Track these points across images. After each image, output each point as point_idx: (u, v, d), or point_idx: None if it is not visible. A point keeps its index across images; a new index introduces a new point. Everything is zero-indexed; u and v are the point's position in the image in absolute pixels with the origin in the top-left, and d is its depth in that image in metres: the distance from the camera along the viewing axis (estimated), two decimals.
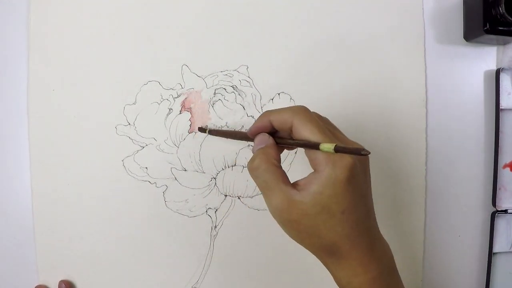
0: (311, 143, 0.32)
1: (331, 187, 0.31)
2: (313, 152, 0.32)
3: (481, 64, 0.54)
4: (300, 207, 0.31)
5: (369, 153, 0.30)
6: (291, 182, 0.33)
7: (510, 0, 0.48)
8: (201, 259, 0.49)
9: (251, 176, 0.34)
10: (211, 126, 0.48)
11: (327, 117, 0.38)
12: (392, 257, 0.36)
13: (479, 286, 0.53)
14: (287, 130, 0.34)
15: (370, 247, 0.33)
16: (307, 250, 0.35)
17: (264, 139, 0.35)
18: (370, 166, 0.37)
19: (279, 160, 0.34)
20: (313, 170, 0.33)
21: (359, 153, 0.30)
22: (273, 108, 0.37)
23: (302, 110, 0.34)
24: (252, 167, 0.34)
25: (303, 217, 0.31)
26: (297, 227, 0.32)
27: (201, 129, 0.48)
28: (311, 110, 0.36)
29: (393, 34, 0.52)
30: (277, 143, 0.36)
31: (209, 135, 0.48)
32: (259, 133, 0.36)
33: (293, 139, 0.34)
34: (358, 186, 0.32)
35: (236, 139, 0.44)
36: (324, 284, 0.49)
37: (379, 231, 0.36)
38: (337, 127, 0.38)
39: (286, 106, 0.35)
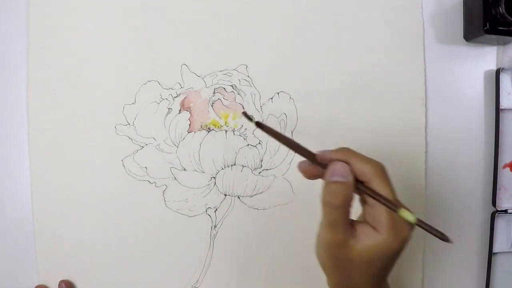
0: (390, 202, 0.32)
1: (384, 251, 0.33)
2: (378, 210, 0.33)
3: (481, 64, 0.54)
4: (348, 250, 0.33)
5: (452, 242, 0.31)
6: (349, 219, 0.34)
7: (510, 0, 0.48)
8: (201, 258, 0.49)
9: (322, 205, 0.34)
10: (210, 125, 0.49)
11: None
12: None
13: (479, 286, 0.53)
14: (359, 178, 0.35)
15: None
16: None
17: (345, 173, 0.34)
18: None
19: (353, 197, 0.34)
20: (367, 215, 0.34)
21: (445, 239, 0.31)
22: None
23: (382, 168, 0.34)
24: (327, 202, 0.34)
25: (346, 258, 0.33)
26: (335, 262, 0.34)
27: (246, 115, 0.42)
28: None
29: (393, 34, 0.51)
30: None
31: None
32: (332, 160, 0.35)
33: (370, 189, 0.34)
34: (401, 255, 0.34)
35: (285, 144, 0.39)
36: (323, 284, 0.49)
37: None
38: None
39: (364, 156, 0.35)
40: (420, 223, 0.31)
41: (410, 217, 0.31)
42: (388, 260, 0.33)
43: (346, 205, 0.34)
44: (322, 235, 0.34)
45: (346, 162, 0.34)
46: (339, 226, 0.33)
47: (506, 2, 0.48)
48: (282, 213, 0.49)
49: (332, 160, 0.35)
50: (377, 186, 0.33)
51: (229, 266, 0.49)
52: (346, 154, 0.35)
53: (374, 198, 0.33)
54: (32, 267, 0.47)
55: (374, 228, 0.33)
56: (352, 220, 0.35)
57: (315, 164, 0.36)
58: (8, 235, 0.48)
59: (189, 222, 0.49)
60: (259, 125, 0.39)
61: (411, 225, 0.32)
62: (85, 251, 0.48)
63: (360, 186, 0.34)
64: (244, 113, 0.44)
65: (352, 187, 0.34)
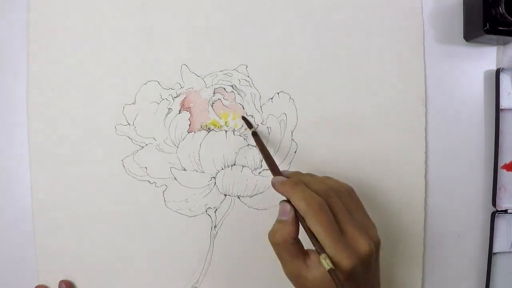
0: (317, 245, 0.34)
1: (326, 283, 0.34)
2: None
3: (481, 64, 0.54)
4: (305, 281, 0.35)
5: None
6: (304, 251, 0.36)
7: (510, 0, 0.48)
8: (201, 258, 0.49)
9: (270, 242, 0.37)
10: (210, 125, 0.49)
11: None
12: None
13: (479, 286, 0.53)
14: None
15: None
16: None
17: (286, 211, 0.37)
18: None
19: (296, 236, 0.36)
20: None
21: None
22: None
23: (317, 205, 0.35)
24: (271, 240, 0.37)
25: (303, 286, 0.36)
26: None
27: (247, 122, 0.48)
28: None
29: (393, 34, 0.52)
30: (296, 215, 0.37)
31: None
32: (278, 190, 0.38)
33: (306, 228, 0.35)
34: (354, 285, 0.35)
35: (264, 159, 0.44)
36: None
37: None
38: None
39: (304, 190, 0.36)
40: (331, 273, 0.32)
41: (325, 264, 0.32)
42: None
43: (286, 242, 0.36)
44: (282, 266, 0.37)
45: (288, 198, 0.37)
46: (287, 260, 0.36)
47: (506, 2, 0.48)
48: None
49: (278, 191, 0.38)
50: (309, 224, 0.35)
51: (229, 265, 0.50)
52: (288, 190, 0.37)
53: (308, 236, 0.35)
54: (32, 267, 0.47)
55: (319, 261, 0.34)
56: (308, 250, 0.36)
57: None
58: (8, 235, 0.48)
59: (189, 222, 0.49)
60: (254, 134, 0.46)
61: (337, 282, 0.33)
62: (85, 251, 0.48)
63: (301, 222, 0.36)
64: (244, 118, 0.46)
65: (291, 226, 0.36)
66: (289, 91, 0.50)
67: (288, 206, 0.37)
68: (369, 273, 0.36)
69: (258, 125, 0.49)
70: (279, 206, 0.38)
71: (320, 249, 0.34)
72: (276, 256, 0.38)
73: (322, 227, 0.34)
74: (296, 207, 0.36)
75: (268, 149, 0.48)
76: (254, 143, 0.49)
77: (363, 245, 0.35)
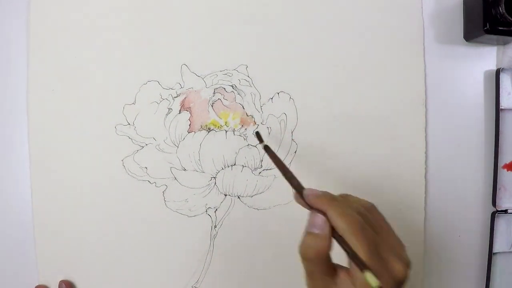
0: (359, 261, 0.32)
1: None
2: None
3: (481, 64, 0.54)
4: None
5: None
6: (333, 267, 0.35)
7: (510, 0, 0.48)
8: (201, 258, 0.49)
9: (300, 256, 0.35)
10: (210, 125, 0.49)
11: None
12: None
13: (479, 286, 0.53)
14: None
15: None
16: None
17: (320, 225, 0.34)
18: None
19: (330, 250, 0.35)
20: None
21: None
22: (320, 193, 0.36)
23: (357, 223, 0.34)
24: (303, 256, 0.35)
25: None
26: None
27: (259, 137, 0.48)
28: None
29: (393, 34, 0.52)
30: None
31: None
32: (312, 205, 0.36)
33: (345, 245, 0.34)
34: None
35: (282, 173, 0.41)
36: None
37: None
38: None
39: (343, 207, 0.35)
40: None
41: (372, 282, 0.31)
42: None
43: (320, 258, 0.34)
44: (306, 281, 0.35)
45: (324, 212, 0.35)
46: (317, 276, 0.34)
47: (506, 2, 0.48)
48: (282, 213, 0.49)
49: (312, 206, 0.36)
50: (350, 241, 0.33)
51: (229, 266, 0.50)
52: (325, 204, 0.35)
53: (346, 253, 0.33)
54: (32, 267, 0.47)
55: (353, 277, 0.33)
56: (337, 265, 0.35)
57: (301, 199, 0.37)
58: (8, 235, 0.48)
59: (189, 222, 0.49)
60: (266, 149, 0.44)
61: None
62: (85, 251, 0.48)
63: (337, 238, 0.34)
64: (257, 133, 0.46)
65: (326, 240, 0.34)
66: (289, 91, 0.50)
67: (321, 219, 0.35)
68: None
69: (258, 125, 0.49)
70: (310, 217, 0.36)
71: (363, 266, 0.32)
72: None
73: (363, 247, 0.32)
74: (334, 223, 0.34)
75: None
76: (254, 143, 0.49)
77: (399, 271, 0.34)
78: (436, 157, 0.52)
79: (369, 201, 0.38)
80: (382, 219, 0.38)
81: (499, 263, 0.53)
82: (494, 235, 0.52)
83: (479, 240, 0.54)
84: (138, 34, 0.48)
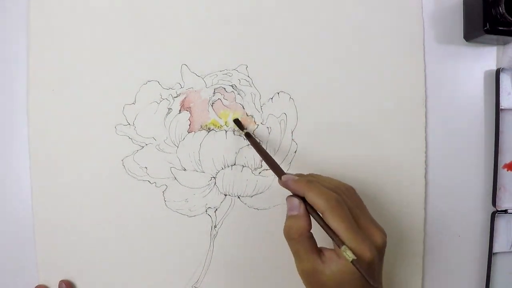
0: (336, 238, 0.35)
1: (348, 276, 0.35)
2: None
3: (481, 64, 0.54)
4: (321, 276, 0.36)
5: None
6: (317, 247, 0.37)
7: (510, 0, 0.48)
8: (201, 258, 0.49)
9: (285, 238, 0.38)
10: (210, 125, 0.49)
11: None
12: None
13: (479, 286, 0.53)
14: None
15: None
16: None
17: (295, 206, 0.38)
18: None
19: (310, 229, 0.37)
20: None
21: (367, 282, 0.33)
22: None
23: (336, 201, 0.36)
24: (287, 236, 0.38)
25: (318, 283, 0.36)
26: (311, 287, 0.37)
27: (239, 124, 0.48)
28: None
29: (393, 34, 0.52)
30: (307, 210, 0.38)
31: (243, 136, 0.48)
32: (290, 189, 0.39)
33: (322, 222, 0.36)
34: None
35: (263, 159, 0.45)
36: None
37: None
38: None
39: (320, 188, 0.37)
40: (355, 264, 0.33)
41: (348, 256, 0.33)
42: (357, 281, 0.35)
43: (303, 236, 0.37)
44: (295, 264, 0.37)
45: (302, 195, 0.37)
46: (303, 255, 0.36)
47: (506, 2, 0.48)
48: (282, 213, 0.49)
49: (291, 190, 0.39)
50: (328, 219, 0.35)
51: (229, 266, 0.50)
52: (303, 187, 0.38)
53: (325, 230, 0.35)
54: (32, 267, 0.47)
55: (337, 254, 0.35)
56: (323, 247, 0.37)
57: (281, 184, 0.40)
58: (8, 235, 0.48)
59: (189, 222, 0.49)
60: (247, 136, 0.46)
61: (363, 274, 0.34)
62: (85, 251, 0.48)
63: (315, 217, 0.37)
64: (237, 121, 0.46)
65: (305, 219, 0.37)
66: (289, 91, 0.50)
67: (296, 201, 0.38)
68: (382, 263, 0.38)
69: (258, 125, 0.49)
70: (287, 201, 0.39)
71: (340, 242, 0.34)
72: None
73: (342, 222, 0.35)
74: (313, 204, 0.36)
75: (268, 149, 0.49)
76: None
77: (379, 237, 0.37)
78: (436, 157, 0.53)
79: (349, 184, 0.41)
80: (360, 199, 0.41)
81: (499, 263, 0.53)
82: (494, 235, 0.52)
83: (479, 240, 0.54)
84: (138, 34, 0.48)
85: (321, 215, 0.36)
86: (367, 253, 0.34)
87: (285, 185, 0.39)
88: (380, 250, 0.36)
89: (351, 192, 0.40)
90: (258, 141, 0.48)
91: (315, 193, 0.37)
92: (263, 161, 0.49)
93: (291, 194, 0.39)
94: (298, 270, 0.37)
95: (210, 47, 0.49)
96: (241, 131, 0.48)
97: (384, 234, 0.37)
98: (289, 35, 0.50)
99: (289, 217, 0.38)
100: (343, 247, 0.34)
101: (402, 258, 0.52)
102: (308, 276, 0.37)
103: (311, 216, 0.37)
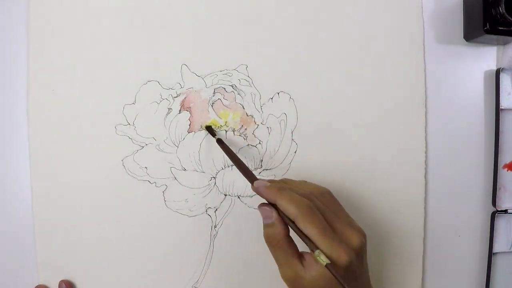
0: (310, 243, 0.35)
1: (327, 280, 0.35)
2: None
3: (481, 64, 0.54)
4: (302, 282, 0.36)
5: None
6: (299, 252, 0.37)
7: (510, 0, 0.48)
8: (201, 258, 0.49)
9: (267, 246, 0.38)
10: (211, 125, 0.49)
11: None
12: None
13: (479, 286, 0.53)
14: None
15: None
16: (306, 250, 0.37)
17: (268, 215, 0.37)
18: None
19: (288, 234, 0.37)
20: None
21: (342, 284, 0.32)
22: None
23: (307, 206, 0.36)
24: (268, 244, 0.38)
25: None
26: None
27: (211, 130, 0.48)
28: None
29: (393, 34, 0.52)
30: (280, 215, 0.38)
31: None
32: (262, 197, 0.38)
33: (296, 228, 0.36)
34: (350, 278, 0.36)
35: (235, 164, 0.44)
36: None
37: None
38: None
39: (291, 194, 0.37)
40: (329, 268, 0.33)
41: (321, 260, 0.33)
42: (335, 285, 0.35)
43: (281, 242, 0.37)
44: (279, 270, 0.37)
45: (274, 202, 0.37)
46: (284, 261, 0.37)
47: (506, 2, 0.48)
48: None
49: (262, 196, 0.38)
50: (300, 225, 0.35)
51: (229, 265, 0.50)
52: (274, 195, 0.37)
53: (299, 236, 0.35)
54: (32, 267, 0.47)
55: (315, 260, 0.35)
56: (304, 252, 0.37)
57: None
58: (8, 235, 0.48)
59: (189, 222, 0.49)
60: (219, 142, 0.46)
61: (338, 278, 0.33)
62: (85, 251, 0.48)
63: (289, 224, 0.36)
64: (209, 127, 0.46)
65: (279, 226, 0.37)
66: (289, 91, 0.50)
67: (267, 210, 0.38)
68: (362, 266, 0.38)
69: (258, 125, 0.49)
70: (259, 210, 0.38)
71: (313, 247, 0.34)
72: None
73: (315, 228, 0.35)
74: (285, 211, 0.36)
75: (268, 149, 0.49)
76: (255, 143, 0.49)
77: (355, 239, 0.36)
78: (436, 157, 0.53)
79: (325, 187, 0.41)
80: (337, 202, 0.40)
81: (499, 263, 0.53)
82: (494, 235, 0.52)
83: (479, 240, 0.54)
84: (138, 34, 0.48)
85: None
86: (343, 256, 0.34)
87: (256, 191, 0.39)
88: (358, 252, 0.36)
89: (326, 196, 0.40)
90: (263, 141, 0.48)
91: (286, 200, 0.36)
92: (262, 161, 0.49)
93: (264, 202, 0.39)
94: (281, 276, 0.37)
95: (210, 47, 0.49)
96: (213, 137, 0.47)
97: (361, 234, 0.37)
98: (289, 35, 0.50)
99: (265, 226, 0.38)
100: (317, 252, 0.33)
101: (402, 258, 0.52)
102: (291, 281, 0.37)
103: None
